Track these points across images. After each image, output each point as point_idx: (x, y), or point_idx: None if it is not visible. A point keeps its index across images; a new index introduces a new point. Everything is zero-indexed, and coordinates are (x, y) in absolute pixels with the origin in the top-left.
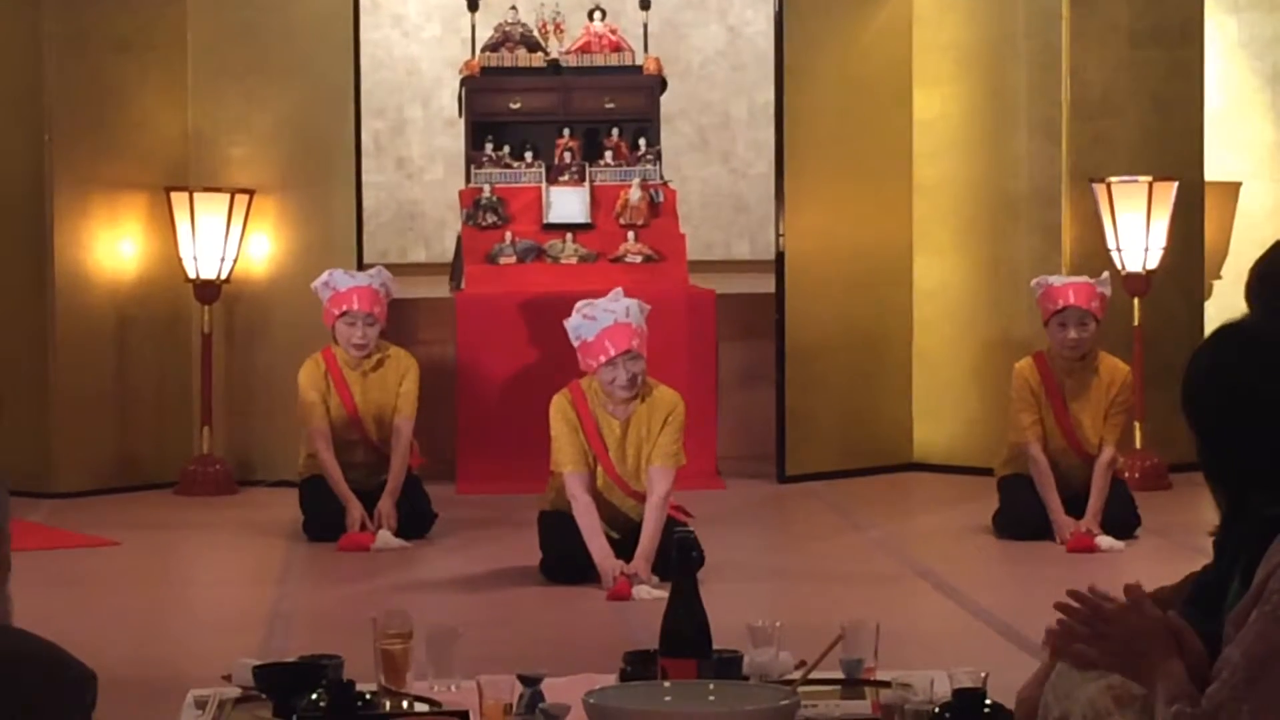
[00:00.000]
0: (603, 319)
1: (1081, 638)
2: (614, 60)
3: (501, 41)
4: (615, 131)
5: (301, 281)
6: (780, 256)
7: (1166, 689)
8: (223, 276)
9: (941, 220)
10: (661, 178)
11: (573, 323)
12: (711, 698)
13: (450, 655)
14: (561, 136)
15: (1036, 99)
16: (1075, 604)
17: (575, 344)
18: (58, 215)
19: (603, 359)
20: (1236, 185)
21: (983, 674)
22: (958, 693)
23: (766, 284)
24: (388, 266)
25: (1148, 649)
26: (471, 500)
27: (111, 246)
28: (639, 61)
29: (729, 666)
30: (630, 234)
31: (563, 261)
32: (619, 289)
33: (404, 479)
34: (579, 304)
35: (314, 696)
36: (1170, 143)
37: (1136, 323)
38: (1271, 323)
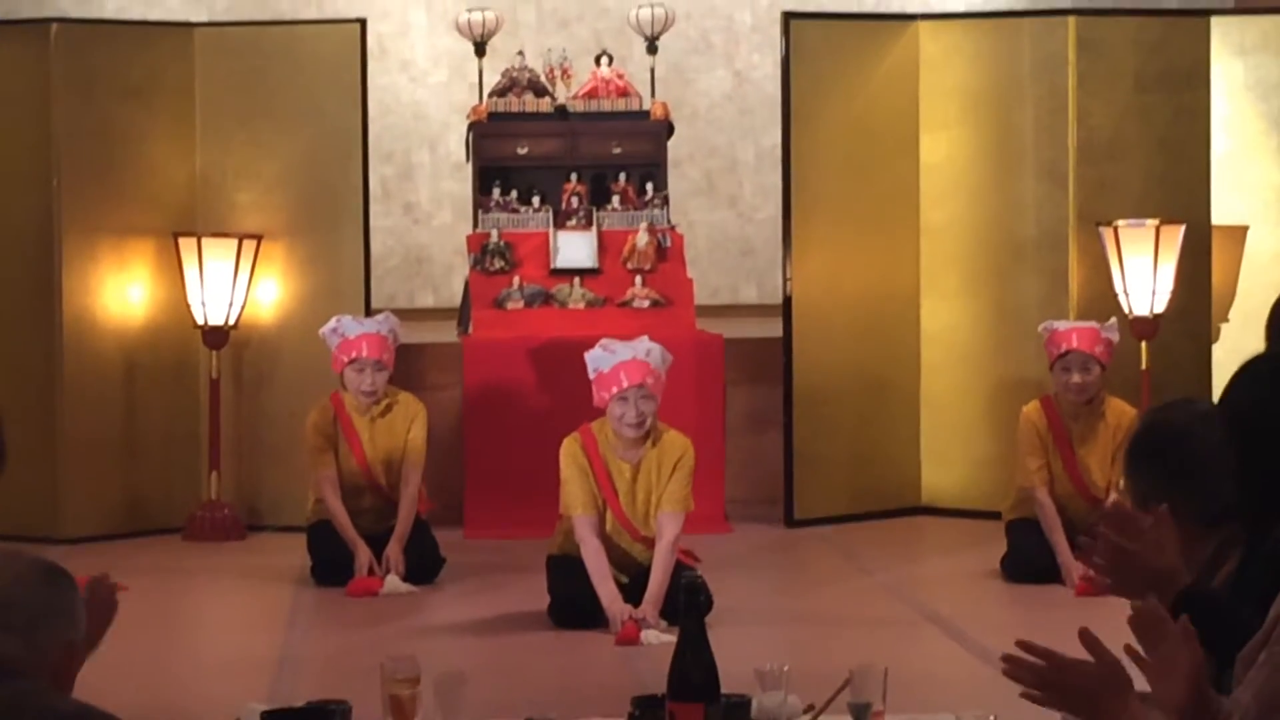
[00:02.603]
0: (622, 353)
1: (1030, 684)
2: (621, 105)
3: (509, 87)
4: (622, 176)
5: (309, 327)
6: (787, 301)
7: None
8: (231, 322)
9: (949, 264)
10: (669, 222)
11: (593, 354)
12: None
13: (459, 700)
14: (569, 181)
15: (1043, 143)
16: (1026, 656)
17: (592, 376)
18: (66, 260)
19: (615, 390)
20: (1244, 229)
21: (991, 717)
22: None
23: (774, 328)
24: (395, 311)
25: (1100, 694)
26: (479, 545)
27: (119, 292)
28: (646, 106)
29: (737, 711)
30: (638, 278)
31: (570, 306)
32: (645, 337)
33: (412, 524)
34: (603, 340)
35: None
36: (1177, 186)
37: (1144, 366)
38: None
